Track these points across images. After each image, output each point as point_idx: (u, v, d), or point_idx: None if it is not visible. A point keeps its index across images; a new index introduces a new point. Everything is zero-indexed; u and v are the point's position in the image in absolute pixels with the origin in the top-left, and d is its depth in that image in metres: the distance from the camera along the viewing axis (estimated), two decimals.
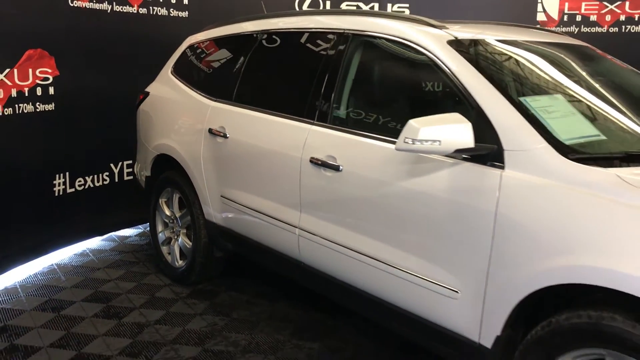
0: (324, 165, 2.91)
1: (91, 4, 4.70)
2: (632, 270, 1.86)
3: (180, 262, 4.17)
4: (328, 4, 6.55)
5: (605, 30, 6.37)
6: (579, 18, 6.47)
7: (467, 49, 2.66)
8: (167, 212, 4.25)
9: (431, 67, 2.65)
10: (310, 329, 3.54)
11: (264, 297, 3.95)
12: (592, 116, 2.52)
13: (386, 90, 3.06)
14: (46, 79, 4.41)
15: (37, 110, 4.36)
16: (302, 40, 3.41)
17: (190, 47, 4.35)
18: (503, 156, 2.28)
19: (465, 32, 2.82)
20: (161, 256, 4.32)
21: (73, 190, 4.78)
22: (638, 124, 2.54)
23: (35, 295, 3.94)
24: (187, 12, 5.52)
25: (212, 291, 4.05)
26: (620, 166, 2.14)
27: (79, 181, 4.83)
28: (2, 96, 4.04)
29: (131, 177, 5.15)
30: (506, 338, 2.25)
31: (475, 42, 2.75)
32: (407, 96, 2.94)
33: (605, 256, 1.93)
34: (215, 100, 3.80)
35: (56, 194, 4.62)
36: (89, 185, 4.93)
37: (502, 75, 2.65)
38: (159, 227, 4.34)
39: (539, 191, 2.15)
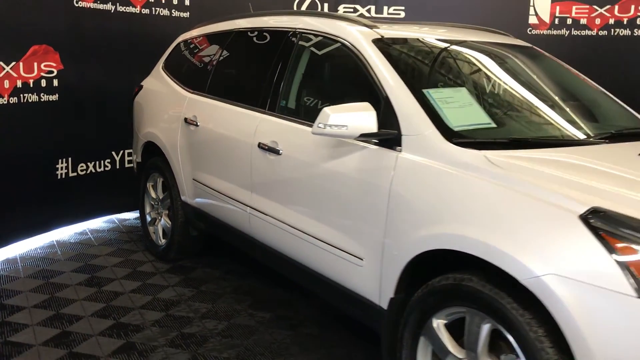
0: (268, 149, 3.26)
1: (95, 4, 5.15)
2: (479, 236, 2.15)
3: (163, 240, 4.56)
4: (326, 6, 6.90)
5: (595, 34, 6.54)
6: (569, 21, 6.65)
7: (387, 46, 2.97)
8: (153, 195, 4.66)
9: (357, 62, 2.96)
10: (267, 301, 3.89)
11: (234, 274, 4.31)
12: (490, 107, 2.80)
13: (320, 82, 3.38)
14: (50, 72, 4.86)
15: (42, 100, 4.81)
16: (261, 38, 3.77)
17: (180, 44, 4.74)
18: (401, 140, 2.59)
19: (393, 32, 3.13)
20: (147, 235, 4.73)
21: (75, 174, 5.23)
22: (536, 116, 2.80)
23: (31, 265, 4.39)
24: (188, 13, 5.92)
25: (189, 267, 4.43)
26: (495, 149, 2.42)
27: (81, 166, 5.28)
28: (8, 86, 4.50)
29: (132, 165, 5.57)
30: (398, 300, 2.55)
31: (396, 41, 3.06)
32: (336, 87, 3.26)
33: (462, 225, 2.23)
34: (192, 92, 4.18)
35: (58, 177, 5.07)
36: (91, 171, 5.37)
37: (413, 70, 2.96)
38: (147, 209, 4.75)
39: (421, 170, 2.45)
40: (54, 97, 4.92)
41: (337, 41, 3.12)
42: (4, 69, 4.44)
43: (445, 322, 2.36)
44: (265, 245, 3.42)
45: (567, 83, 3.47)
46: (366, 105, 2.65)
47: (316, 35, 3.30)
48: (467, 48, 3.26)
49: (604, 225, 1.91)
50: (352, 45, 3.01)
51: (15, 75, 4.55)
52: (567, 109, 3.03)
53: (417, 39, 3.17)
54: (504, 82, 3.08)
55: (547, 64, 3.55)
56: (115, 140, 5.52)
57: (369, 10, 6.94)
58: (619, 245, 1.86)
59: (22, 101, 4.63)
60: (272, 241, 3.34)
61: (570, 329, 1.89)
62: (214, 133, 3.82)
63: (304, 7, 6.81)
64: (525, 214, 2.10)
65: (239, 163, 3.54)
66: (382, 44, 2.97)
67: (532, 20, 6.72)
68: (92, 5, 5.13)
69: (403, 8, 6.95)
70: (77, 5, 5.02)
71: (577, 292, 1.89)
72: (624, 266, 1.83)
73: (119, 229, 5.34)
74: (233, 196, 3.63)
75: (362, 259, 2.71)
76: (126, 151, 5.62)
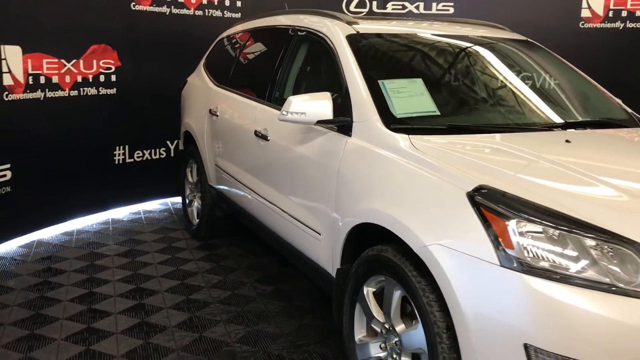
0: (261, 136, 3.62)
1: (151, 7, 5.72)
2: (388, 210, 2.40)
3: (196, 220, 5.04)
4: (374, 4, 7.15)
5: None
6: (624, 14, 6.49)
7: (359, 41, 3.23)
8: (190, 180, 5.16)
9: (332, 55, 3.25)
10: (274, 277, 4.25)
11: (254, 253, 4.71)
12: (447, 97, 3.00)
13: (305, 74, 3.66)
14: (109, 68, 5.48)
15: (100, 93, 5.44)
16: (267, 36, 4.13)
17: (218, 41, 5.20)
18: (352, 126, 2.86)
19: (371, 27, 3.38)
20: (186, 216, 5.24)
21: (132, 160, 5.84)
22: (489, 105, 2.97)
23: (83, 238, 5.02)
24: (240, 14, 6.38)
25: (216, 245, 4.88)
26: (427, 134, 2.63)
27: (138, 153, 5.88)
28: (68, 81, 5.15)
29: None
30: (344, 271, 2.82)
31: (370, 36, 3.30)
32: (317, 79, 3.54)
33: (380, 200, 2.48)
34: (217, 86, 4.62)
35: (116, 163, 5.70)
36: (147, 158, 5.96)
37: (378, 63, 3.19)
38: (186, 192, 5.25)
39: (360, 152, 2.72)
40: (112, 91, 5.53)
41: (320, 37, 3.42)
42: (65, 65, 5.08)
43: (374, 289, 2.61)
44: (261, 223, 3.78)
45: (556, 75, 3.56)
46: (325, 94, 2.94)
47: (306, 32, 3.61)
48: (442, 43, 3.44)
49: (484, 201, 2.10)
50: (330, 40, 3.30)
51: (75, 71, 5.18)
52: (533, 100, 3.15)
53: (394, 35, 3.40)
54: (468, 74, 3.25)
55: (538, 57, 3.65)
56: (169, 131, 6.06)
57: (417, 7, 7.09)
58: (494, 219, 2.05)
59: (81, 94, 5.26)
60: (264, 219, 3.69)
61: (448, 292, 2.11)
62: (228, 122, 4.22)
63: (352, 6, 7.09)
64: (425, 191, 2.32)
65: (242, 149, 3.93)
66: (354, 39, 3.23)
67: (585, 13, 6.61)
68: (148, 8, 5.70)
69: (452, 4, 7.04)
70: (133, 8, 5.60)
71: (455, 260, 2.10)
72: (494, 238, 2.02)
73: (169, 210, 5.90)
74: (240, 180, 4.02)
75: (319, 234, 3.00)
76: (180, 141, 6.15)
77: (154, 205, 6.07)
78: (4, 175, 4.61)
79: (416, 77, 3.06)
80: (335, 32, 3.30)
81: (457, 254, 2.11)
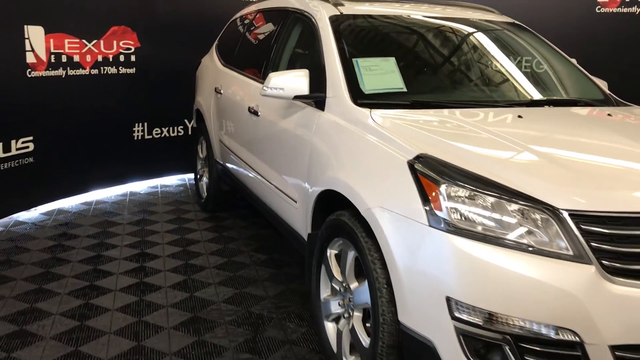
0: (253, 112, 3.85)
1: None
2: (344, 177, 2.60)
3: (205, 194, 5.33)
4: None
5: None
6: None
7: (341, 22, 3.41)
8: (200, 155, 5.44)
9: (316, 35, 3.45)
10: (271, 247, 4.50)
11: (256, 225, 4.97)
12: (417, 74, 3.17)
13: (294, 53, 3.86)
14: (128, 49, 5.78)
15: (120, 72, 5.75)
16: (267, 17, 4.34)
17: (230, 23, 5.43)
18: (325, 102, 3.06)
19: (356, 9, 3.56)
20: (197, 190, 5.53)
21: (150, 137, 6.15)
22: (456, 83, 3.13)
23: (100, 208, 5.36)
24: None
25: (222, 217, 5.16)
26: (389, 109, 2.82)
27: (156, 130, 6.19)
28: (89, 60, 5.48)
29: None
30: (313, 235, 3.04)
31: (353, 17, 3.48)
32: (304, 58, 3.73)
33: (340, 169, 2.69)
34: (224, 66, 4.86)
35: (135, 139, 6.02)
36: (165, 135, 6.27)
37: (357, 42, 3.37)
38: (198, 167, 5.54)
39: (329, 125, 2.92)
40: (132, 70, 5.83)
41: (308, 17, 3.61)
42: (86, 45, 5.40)
43: (335, 252, 2.82)
44: (254, 194, 4.03)
45: (538, 57, 3.68)
46: (302, 71, 3.15)
47: (297, 13, 3.81)
48: (423, 24, 3.59)
49: (421, 168, 2.29)
50: (315, 21, 3.50)
51: (96, 51, 5.50)
52: (502, 79, 3.29)
53: (378, 16, 3.57)
54: (444, 54, 3.40)
55: (523, 39, 3.77)
56: (187, 110, 6.31)
57: None
58: (427, 184, 2.24)
59: (102, 73, 5.58)
60: (257, 190, 3.94)
61: (386, 250, 2.31)
62: (229, 100, 4.47)
63: None
64: (375, 160, 2.51)
65: (239, 125, 4.17)
66: (337, 20, 3.41)
67: None
68: None
69: None
70: None
71: (393, 221, 2.30)
72: (426, 201, 2.21)
73: (185, 186, 6.20)
74: (238, 154, 4.26)
75: (296, 202, 3.23)
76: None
77: (172, 180, 6.38)
78: (27, 147, 4.96)
79: (393, 56, 3.23)
80: (320, 13, 3.49)
81: (395, 216, 2.30)
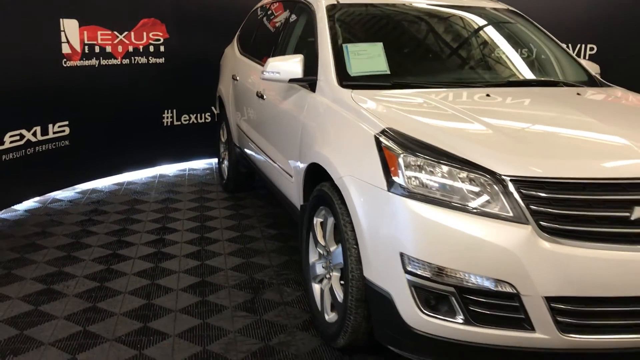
0: (260, 96, 4.17)
1: None
2: (324, 150, 2.89)
3: (226, 175, 5.69)
4: None
5: None
6: None
7: (336, 11, 3.68)
8: (222, 140, 5.80)
9: (314, 23, 3.73)
10: (281, 223, 4.81)
11: (272, 204, 5.29)
12: (400, 58, 3.42)
13: (297, 40, 4.14)
14: (158, 40, 6.18)
15: (150, 62, 6.15)
16: (280, 6, 4.64)
17: (251, 13, 5.75)
18: (316, 84, 3.35)
19: None
20: (220, 172, 5.90)
21: (179, 123, 6.55)
22: (438, 65, 3.38)
23: (130, 188, 5.78)
24: None
25: (241, 197, 5.51)
26: (369, 89, 3.09)
27: (184, 117, 6.58)
28: (121, 50, 5.89)
29: None
30: (304, 206, 3.34)
31: (349, 6, 3.74)
32: (305, 45, 4.01)
33: (322, 144, 2.98)
34: (241, 55, 5.19)
35: (164, 125, 6.43)
36: (193, 121, 6.66)
37: (351, 29, 3.64)
38: (220, 150, 5.90)
39: (317, 104, 3.21)
40: (161, 60, 6.23)
41: (309, 6, 3.89)
42: (118, 37, 5.81)
43: (321, 220, 3.11)
44: (263, 173, 4.35)
45: (526, 42, 3.86)
46: (297, 56, 3.44)
47: (301, 3, 4.09)
48: (414, 11, 3.83)
49: (385, 140, 2.56)
50: (314, 9, 3.78)
51: (127, 42, 5.91)
52: (482, 61, 3.52)
53: (371, 4, 3.82)
54: (430, 39, 3.63)
55: (513, 24, 3.95)
56: (213, 98, 6.68)
57: None
58: (389, 154, 2.51)
59: (133, 62, 5.99)
60: (265, 169, 4.26)
61: (354, 213, 2.60)
62: (243, 86, 4.80)
63: None
64: (350, 134, 2.79)
65: (250, 109, 4.50)
66: (333, 8, 3.69)
67: None
68: None
69: None
70: None
71: (359, 188, 2.59)
72: (387, 169, 2.48)
73: (212, 169, 6.58)
74: (250, 136, 4.59)
75: (291, 177, 3.53)
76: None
77: (200, 164, 6.76)
78: (63, 131, 5.41)
79: (383, 42, 3.49)
80: (319, 2, 3.77)
81: (361, 183, 2.58)
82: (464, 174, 2.37)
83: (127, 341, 3.00)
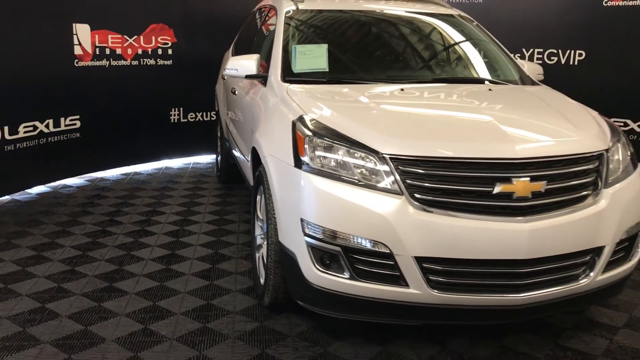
0: (233, 92, 4.67)
1: None
2: (258, 135, 3.35)
3: (219, 168, 6.21)
4: None
5: None
6: None
7: (294, 15, 4.14)
8: (219, 134, 6.31)
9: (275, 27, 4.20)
10: None
11: None
12: (342, 58, 3.86)
13: (262, 42, 4.60)
14: (166, 43, 6.76)
15: (158, 64, 6.73)
16: (260, 12, 5.13)
17: (246, 18, 6.27)
18: (267, 79, 3.82)
19: (311, 4, 4.27)
20: (217, 164, 6.42)
21: (185, 121, 7.11)
22: (374, 63, 3.80)
23: (135, 178, 6.36)
24: None
25: (232, 187, 5.99)
26: (305, 84, 3.53)
27: (191, 115, 7.14)
28: (130, 53, 6.49)
29: None
30: (252, 187, 3.80)
31: (305, 12, 4.19)
32: (268, 45, 4.46)
33: (259, 130, 3.44)
34: (232, 55, 5.71)
35: (172, 121, 7.00)
36: (199, 119, 7.21)
37: (304, 32, 4.08)
38: (218, 144, 6.42)
39: (264, 98, 3.67)
40: (169, 62, 6.80)
41: (277, 11, 4.36)
42: (127, 40, 6.41)
43: (259, 197, 3.57)
44: (237, 161, 4.83)
45: (468, 43, 4.23)
46: (253, 56, 3.91)
47: (273, 8, 4.56)
48: (365, 16, 4.25)
49: (298, 125, 3.00)
50: (277, 14, 4.25)
51: (136, 45, 6.50)
52: (413, 61, 3.93)
53: (327, 10, 4.26)
54: (373, 41, 4.06)
55: (459, 27, 4.33)
56: None
57: None
58: (299, 136, 2.95)
59: (142, 64, 6.58)
60: (237, 157, 4.74)
61: (271, 186, 3.05)
62: (227, 85, 5.30)
63: None
64: (277, 120, 3.25)
65: (229, 104, 5.00)
66: (291, 13, 4.15)
67: None
68: None
69: None
70: None
71: (275, 165, 3.04)
72: (296, 149, 2.92)
73: (214, 163, 7.11)
74: (230, 130, 5.09)
75: (248, 161, 4.00)
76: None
77: (205, 159, 7.30)
78: (74, 124, 6.02)
79: (330, 43, 3.93)
80: (281, 7, 4.24)
81: (277, 160, 3.03)
82: (354, 153, 2.78)
83: (92, 296, 3.51)
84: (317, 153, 2.84)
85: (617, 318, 3.38)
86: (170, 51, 6.78)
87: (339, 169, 2.78)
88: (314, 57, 3.78)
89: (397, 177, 2.69)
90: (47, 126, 5.70)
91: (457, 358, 2.95)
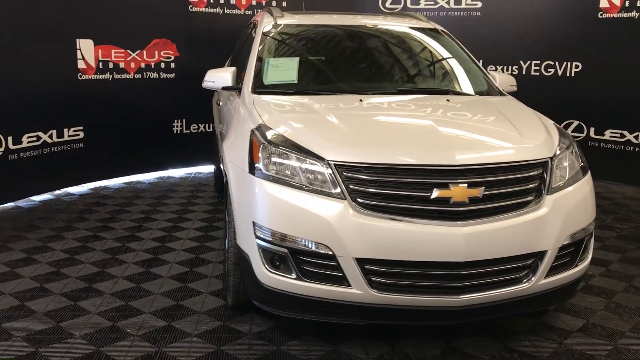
0: (218, 104, 4.87)
1: (207, 8, 7.18)
2: (223, 140, 3.53)
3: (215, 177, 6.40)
4: (409, 0, 8.03)
5: None
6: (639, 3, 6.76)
7: (272, 31, 4.33)
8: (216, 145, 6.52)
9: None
10: None
11: None
12: (311, 70, 4.03)
13: (245, 54, 4.78)
14: (168, 57, 7.02)
15: (161, 77, 6.99)
16: (249, 27, 5.33)
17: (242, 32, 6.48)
18: (242, 91, 4.00)
19: (290, 21, 4.45)
20: (214, 174, 6.62)
21: (188, 132, 7.35)
22: (341, 77, 3.97)
23: (136, 187, 6.60)
24: None
25: None
26: (272, 94, 3.70)
27: (194, 126, 7.38)
28: (133, 66, 6.75)
29: None
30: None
31: (283, 27, 4.37)
32: (245, 58, 4.63)
33: (226, 138, 3.62)
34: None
35: (174, 132, 7.24)
36: (202, 130, 7.44)
37: (279, 46, 4.26)
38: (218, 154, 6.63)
39: (235, 105, 3.86)
40: (172, 76, 7.06)
41: (257, 27, 4.56)
42: (130, 54, 6.68)
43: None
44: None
45: (440, 56, 4.36)
46: (229, 69, 4.12)
47: (256, 25, 4.76)
48: (339, 31, 4.41)
49: (255, 133, 3.17)
50: (256, 29, 4.44)
51: (139, 59, 6.77)
52: (384, 74, 4.08)
53: (304, 25, 4.44)
54: (344, 55, 4.22)
55: (434, 41, 4.46)
56: None
57: (448, 2, 7.86)
58: (255, 144, 3.12)
59: (145, 77, 6.84)
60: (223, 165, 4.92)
61: (230, 189, 3.21)
62: (217, 97, 5.51)
63: (388, 3, 8.03)
64: (240, 129, 3.42)
65: (218, 116, 5.19)
66: (270, 30, 4.34)
67: (603, 4, 6.94)
68: (203, 9, 7.16)
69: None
70: (191, 10, 7.09)
71: (234, 170, 3.21)
72: (251, 156, 3.09)
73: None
74: (219, 140, 5.28)
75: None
76: None
77: (207, 169, 7.52)
78: (78, 135, 6.28)
79: (302, 56, 4.10)
80: (261, 22, 4.44)
81: (235, 166, 3.20)
82: (303, 160, 2.93)
83: (70, 296, 3.71)
84: (270, 160, 3.00)
85: (573, 323, 3.45)
86: (173, 65, 7.04)
87: (289, 175, 2.93)
88: (285, 69, 3.95)
89: (341, 182, 2.83)
90: (50, 136, 5.97)
91: (404, 358, 3.05)
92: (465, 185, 2.79)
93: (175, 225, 5.16)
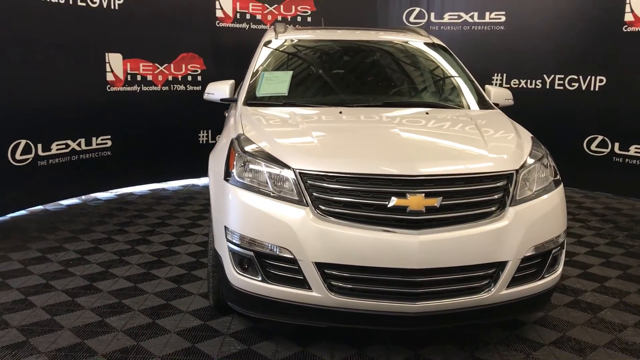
0: (225, 114, 5.09)
1: (233, 24, 7.48)
2: (212, 152, 3.72)
3: None
4: (432, 15, 8.11)
5: None
6: None
7: (273, 45, 4.52)
8: None
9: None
10: None
11: None
12: (303, 83, 4.19)
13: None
14: (195, 71, 7.33)
15: (188, 89, 7.31)
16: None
17: None
18: (236, 101, 4.20)
19: (291, 35, 4.64)
20: None
21: (214, 142, 7.62)
22: (329, 89, 4.11)
23: (160, 194, 6.89)
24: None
25: None
26: (262, 106, 3.89)
27: (219, 137, 7.65)
28: (161, 79, 7.09)
29: None
30: None
31: (284, 42, 4.56)
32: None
33: (215, 146, 3.81)
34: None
35: (200, 142, 7.54)
36: None
37: (278, 60, 4.44)
38: None
39: (230, 117, 4.06)
40: (198, 88, 7.36)
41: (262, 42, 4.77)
42: (158, 68, 7.02)
43: None
44: None
45: (436, 71, 4.46)
46: (227, 81, 4.33)
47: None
48: (337, 46, 4.56)
49: (234, 143, 3.35)
50: (259, 43, 4.65)
51: (166, 72, 7.10)
52: (371, 88, 4.20)
53: (304, 40, 4.62)
54: (338, 69, 4.36)
55: (431, 56, 4.56)
56: None
57: (472, 17, 7.90)
58: (232, 153, 3.30)
59: (172, 89, 7.17)
60: None
61: (211, 197, 3.40)
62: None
63: (412, 17, 8.15)
64: (226, 137, 3.61)
65: None
66: (271, 44, 4.54)
67: (628, 17, 6.87)
68: (230, 24, 7.46)
69: (504, 12, 7.73)
70: (218, 25, 7.40)
71: (213, 177, 3.40)
72: (228, 164, 3.27)
73: None
74: None
75: None
76: None
77: None
78: (106, 143, 6.64)
79: (296, 69, 4.28)
80: (264, 37, 4.64)
81: (214, 174, 3.39)
82: (272, 169, 3.09)
83: (71, 293, 3.97)
84: (244, 168, 3.17)
85: (547, 336, 3.46)
86: (199, 77, 7.33)
87: (261, 182, 3.09)
88: (278, 82, 4.13)
89: (304, 189, 2.97)
90: (78, 144, 6.33)
91: None
92: (423, 195, 2.88)
93: (186, 231, 5.39)
